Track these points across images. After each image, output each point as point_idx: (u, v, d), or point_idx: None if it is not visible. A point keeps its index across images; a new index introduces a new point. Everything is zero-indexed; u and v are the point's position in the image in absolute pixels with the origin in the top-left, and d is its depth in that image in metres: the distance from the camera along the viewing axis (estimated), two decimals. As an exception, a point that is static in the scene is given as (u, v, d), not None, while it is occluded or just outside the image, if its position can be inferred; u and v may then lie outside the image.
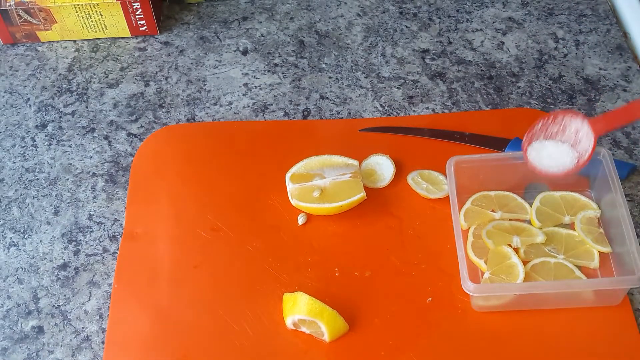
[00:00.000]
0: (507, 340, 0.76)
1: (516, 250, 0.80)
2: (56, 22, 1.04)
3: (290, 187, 0.86)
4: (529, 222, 0.83)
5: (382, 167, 0.90)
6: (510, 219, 0.83)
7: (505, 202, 0.84)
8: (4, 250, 0.87)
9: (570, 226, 0.83)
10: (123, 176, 0.92)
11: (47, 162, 0.95)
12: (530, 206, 0.84)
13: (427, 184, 0.87)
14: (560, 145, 0.79)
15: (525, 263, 0.79)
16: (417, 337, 0.77)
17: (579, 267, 0.79)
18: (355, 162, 0.88)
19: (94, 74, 1.04)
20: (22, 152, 0.96)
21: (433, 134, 0.93)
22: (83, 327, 0.80)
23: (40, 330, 0.81)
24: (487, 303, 0.78)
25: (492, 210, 0.84)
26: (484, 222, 0.82)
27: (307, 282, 0.81)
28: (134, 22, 1.05)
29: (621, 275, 0.78)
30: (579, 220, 0.82)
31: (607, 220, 0.82)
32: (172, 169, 0.93)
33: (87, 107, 1.00)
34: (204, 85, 1.02)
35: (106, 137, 0.97)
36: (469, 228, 0.83)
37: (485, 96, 0.98)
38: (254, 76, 1.02)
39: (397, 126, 0.94)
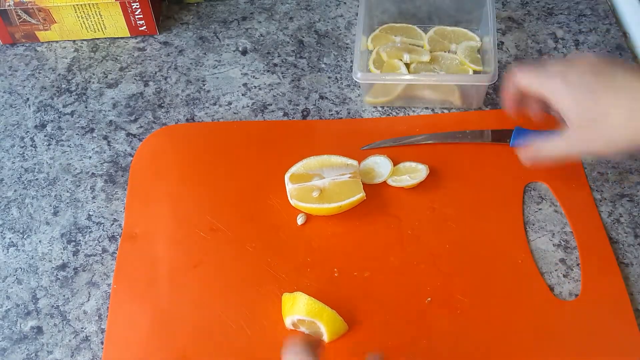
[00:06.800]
0: (507, 339, 0.76)
1: (407, 66, 0.97)
2: (55, 22, 1.04)
3: (289, 187, 0.86)
4: (422, 48, 1.00)
5: (380, 166, 0.89)
6: (409, 44, 1.00)
7: (407, 31, 1.02)
8: (3, 251, 0.87)
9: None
10: (122, 176, 0.92)
11: (47, 162, 0.95)
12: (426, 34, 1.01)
13: (406, 175, 0.87)
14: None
15: None
16: (416, 337, 0.77)
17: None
18: (355, 162, 0.88)
19: (93, 74, 1.04)
20: (21, 152, 0.96)
21: (435, 140, 0.92)
22: (82, 328, 0.80)
23: (39, 330, 0.81)
24: (375, 99, 0.95)
25: (395, 36, 1.01)
26: (386, 44, 0.99)
27: (307, 282, 0.81)
28: (133, 22, 1.05)
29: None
30: (462, 47, 0.99)
31: (484, 50, 0.98)
32: (172, 169, 0.93)
33: (86, 107, 1.00)
34: (204, 85, 1.02)
35: (105, 137, 0.97)
36: (374, 49, 0.99)
37: (485, 96, 0.97)
38: (254, 76, 1.02)
39: (397, 137, 0.93)
